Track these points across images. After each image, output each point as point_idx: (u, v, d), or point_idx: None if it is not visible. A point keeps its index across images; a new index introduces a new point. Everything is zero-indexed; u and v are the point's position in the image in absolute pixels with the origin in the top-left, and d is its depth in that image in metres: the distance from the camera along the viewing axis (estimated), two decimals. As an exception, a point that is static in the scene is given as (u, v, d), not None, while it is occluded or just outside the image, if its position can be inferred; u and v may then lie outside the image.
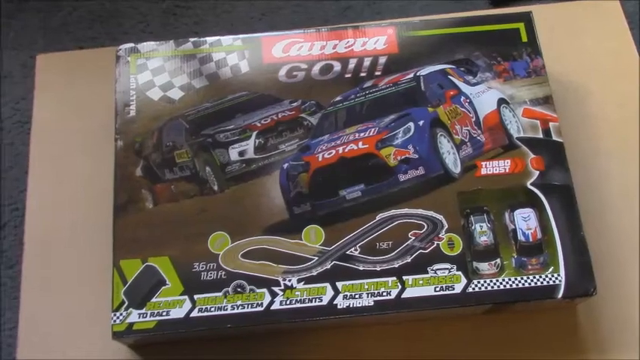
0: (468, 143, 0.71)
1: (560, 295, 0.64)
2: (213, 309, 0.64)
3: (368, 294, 0.64)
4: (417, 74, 0.73)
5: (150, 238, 0.66)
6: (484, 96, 0.73)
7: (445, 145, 0.70)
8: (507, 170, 0.69)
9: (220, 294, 0.64)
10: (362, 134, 0.70)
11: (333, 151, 0.70)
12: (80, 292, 0.71)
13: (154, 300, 0.64)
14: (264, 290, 0.64)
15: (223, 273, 0.65)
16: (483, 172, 0.69)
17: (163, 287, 0.65)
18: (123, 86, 0.73)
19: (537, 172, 0.69)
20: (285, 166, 0.70)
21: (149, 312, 0.64)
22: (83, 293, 0.71)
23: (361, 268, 0.65)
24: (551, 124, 0.71)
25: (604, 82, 0.81)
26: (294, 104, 0.74)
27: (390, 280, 0.64)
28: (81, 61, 0.86)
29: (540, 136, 0.71)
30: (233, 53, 0.75)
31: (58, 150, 0.79)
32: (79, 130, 0.79)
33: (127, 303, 0.64)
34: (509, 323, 0.69)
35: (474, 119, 0.72)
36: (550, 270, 0.65)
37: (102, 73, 0.78)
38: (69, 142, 0.79)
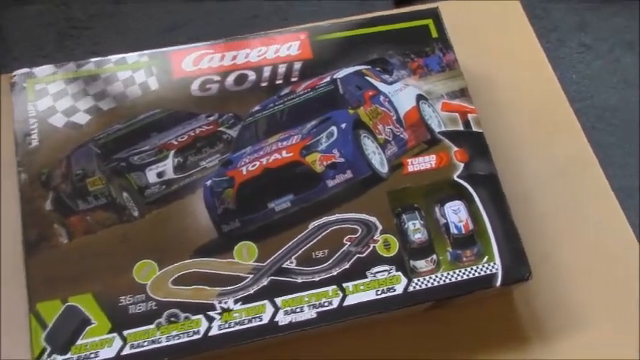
0: (392, 142, 0.71)
1: (498, 284, 0.64)
2: (146, 343, 0.60)
3: (309, 306, 0.62)
4: (334, 77, 0.72)
5: (68, 276, 0.61)
6: (402, 93, 0.73)
7: (370, 146, 0.69)
8: (433, 165, 0.69)
9: (153, 326, 0.60)
10: (285, 142, 0.68)
11: (257, 163, 0.67)
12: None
13: (79, 342, 0.59)
14: (200, 316, 0.61)
15: (154, 303, 0.61)
16: (410, 169, 0.69)
17: (88, 327, 0.60)
18: (21, 115, 0.68)
19: (462, 164, 0.69)
20: (209, 183, 0.67)
21: (75, 356, 0.58)
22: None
23: (299, 281, 0.63)
24: (469, 115, 0.72)
25: (512, 72, 0.84)
26: (211, 118, 0.71)
27: (330, 289, 0.63)
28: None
29: (461, 128, 0.72)
30: (140, 70, 0.71)
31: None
32: (-25, 166, 0.72)
33: (49, 349, 0.58)
34: (449, 317, 0.69)
35: (394, 117, 0.72)
36: (485, 259, 0.66)
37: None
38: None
